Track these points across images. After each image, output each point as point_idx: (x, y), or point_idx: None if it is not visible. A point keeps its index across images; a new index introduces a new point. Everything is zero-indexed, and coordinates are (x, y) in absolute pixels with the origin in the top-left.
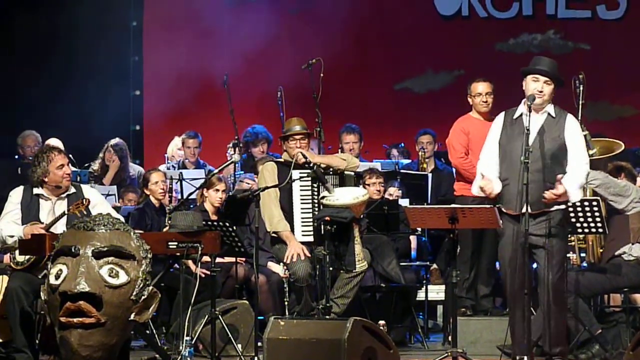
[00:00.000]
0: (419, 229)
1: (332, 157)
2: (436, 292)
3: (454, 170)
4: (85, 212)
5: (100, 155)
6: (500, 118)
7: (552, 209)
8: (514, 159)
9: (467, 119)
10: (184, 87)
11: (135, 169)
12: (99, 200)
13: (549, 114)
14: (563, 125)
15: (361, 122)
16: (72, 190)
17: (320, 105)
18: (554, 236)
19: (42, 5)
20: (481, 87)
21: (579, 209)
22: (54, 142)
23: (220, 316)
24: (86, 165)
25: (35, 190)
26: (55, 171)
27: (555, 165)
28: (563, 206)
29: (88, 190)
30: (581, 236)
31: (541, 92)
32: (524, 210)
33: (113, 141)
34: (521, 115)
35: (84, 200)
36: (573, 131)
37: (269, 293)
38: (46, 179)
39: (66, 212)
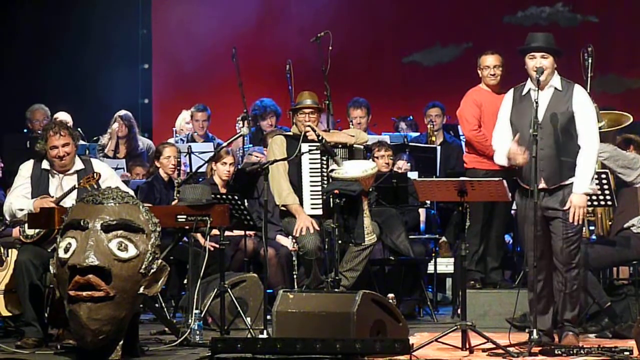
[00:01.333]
0: (428, 201)
1: (340, 134)
2: (445, 265)
3: (463, 143)
4: (95, 186)
5: (109, 129)
6: (509, 95)
7: (567, 182)
8: (525, 135)
9: (478, 91)
10: (192, 61)
11: (144, 142)
12: (109, 174)
13: (555, 88)
14: (571, 98)
15: (370, 95)
16: (81, 165)
17: (329, 78)
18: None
19: None
20: (489, 60)
21: None
22: (63, 115)
23: (229, 289)
24: (95, 138)
25: (44, 165)
26: (50, 151)
27: (567, 138)
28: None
29: (98, 164)
30: (590, 209)
31: (541, 67)
32: (540, 185)
33: (120, 112)
34: (529, 91)
35: (95, 174)
36: (581, 102)
37: (278, 266)
38: (47, 156)
39: (77, 186)
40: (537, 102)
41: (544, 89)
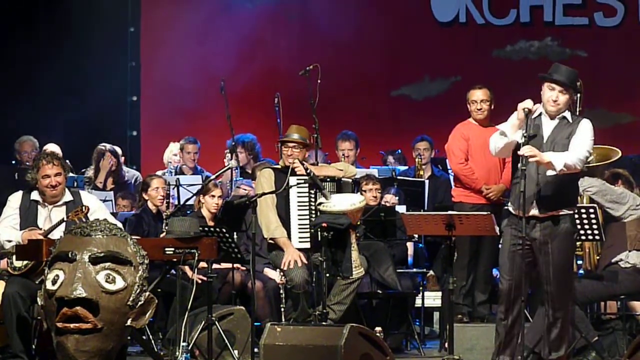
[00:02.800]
0: (416, 235)
1: (329, 168)
2: (433, 298)
3: (451, 177)
4: (84, 219)
5: (93, 162)
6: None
7: (561, 213)
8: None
9: (467, 124)
10: (181, 93)
11: (132, 173)
12: (98, 206)
13: (564, 117)
14: (575, 129)
15: (358, 128)
16: (70, 197)
17: (317, 111)
18: (561, 242)
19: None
20: (477, 95)
21: (575, 216)
22: (52, 147)
23: (216, 322)
24: (82, 170)
25: (33, 196)
26: (41, 180)
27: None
28: (571, 212)
29: (86, 197)
30: (578, 243)
31: (555, 101)
32: (532, 212)
33: (108, 146)
34: (540, 115)
35: (84, 207)
36: (581, 131)
37: (265, 299)
38: (38, 186)
39: (65, 219)
40: (525, 136)
41: (553, 120)
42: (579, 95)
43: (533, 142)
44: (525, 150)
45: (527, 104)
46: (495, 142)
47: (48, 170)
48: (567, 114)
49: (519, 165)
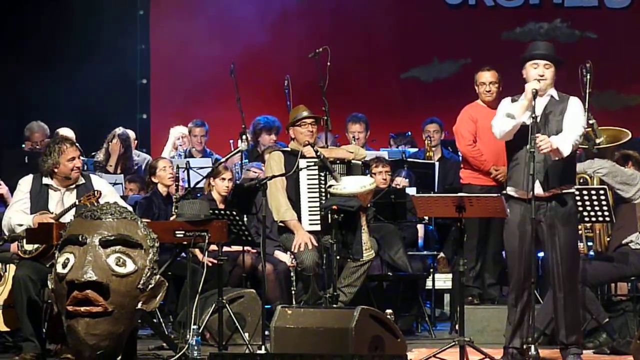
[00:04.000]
0: (426, 217)
1: (339, 150)
2: (443, 280)
3: (460, 158)
4: (96, 204)
5: (105, 145)
6: (506, 101)
7: (564, 191)
8: (521, 140)
9: (475, 106)
10: (190, 76)
11: (143, 157)
12: (108, 190)
13: (552, 96)
14: (566, 107)
15: (368, 110)
16: (82, 181)
17: (327, 94)
18: (564, 223)
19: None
20: (486, 76)
21: (586, 197)
22: (65, 131)
23: (227, 305)
24: (92, 154)
25: (45, 180)
26: (66, 163)
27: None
28: (573, 190)
29: (97, 181)
30: (588, 225)
31: (542, 76)
32: (535, 192)
33: (119, 130)
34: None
35: (96, 192)
36: (573, 110)
37: (276, 282)
38: (56, 170)
39: (77, 203)
40: (534, 117)
41: (541, 97)
42: (588, 76)
43: (526, 128)
44: (543, 144)
45: (534, 84)
46: (502, 125)
47: (72, 152)
48: (554, 92)
49: (527, 147)
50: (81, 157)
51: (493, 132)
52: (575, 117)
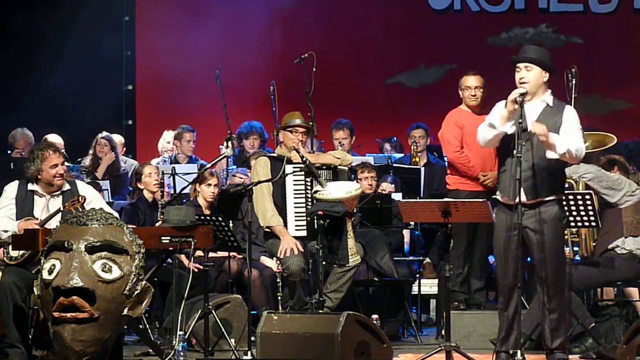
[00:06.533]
0: (412, 223)
1: (326, 156)
2: (429, 286)
3: (446, 164)
4: (81, 209)
5: (91, 151)
6: (501, 104)
7: (548, 198)
8: (510, 147)
9: (459, 112)
10: (176, 82)
11: (130, 163)
12: (94, 196)
13: (547, 103)
14: (561, 115)
15: (353, 116)
16: (67, 187)
17: (313, 99)
18: (550, 228)
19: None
20: (470, 81)
21: (571, 202)
22: (53, 138)
23: (213, 311)
24: (78, 160)
25: (30, 186)
26: (49, 170)
27: (553, 153)
28: (560, 196)
29: (83, 187)
30: (574, 230)
31: (522, 79)
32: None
33: (103, 133)
34: (520, 103)
35: (80, 197)
36: (569, 120)
37: (262, 287)
38: (40, 177)
39: (62, 209)
40: (520, 122)
41: (535, 103)
42: (574, 81)
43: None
44: (536, 128)
45: (515, 94)
46: (484, 134)
47: (55, 159)
48: (548, 98)
49: (514, 152)
50: (65, 164)
51: (477, 139)
52: (572, 130)
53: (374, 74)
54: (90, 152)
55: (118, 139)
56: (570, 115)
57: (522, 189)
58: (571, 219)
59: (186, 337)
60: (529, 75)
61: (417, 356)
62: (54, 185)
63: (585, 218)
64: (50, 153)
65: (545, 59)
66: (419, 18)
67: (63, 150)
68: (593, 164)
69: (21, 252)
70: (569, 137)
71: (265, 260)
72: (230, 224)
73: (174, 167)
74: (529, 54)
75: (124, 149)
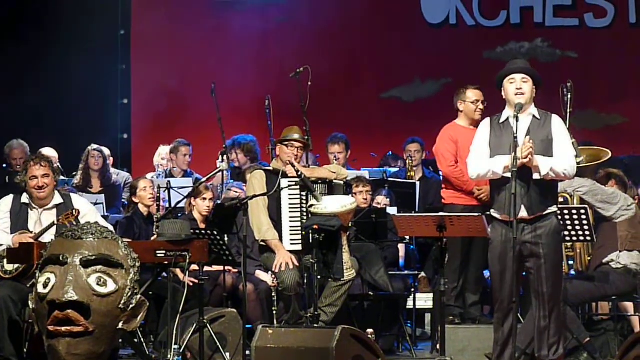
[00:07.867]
0: (407, 237)
1: (321, 170)
2: (424, 300)
3: (441, 178)
4: (75, 223)
5: (81, 165)
6: (486, 123)
7: (547, 212)
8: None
9: (454, 127)
10: (171, 96)
11: (122, 175)
12: (88, 210)
13: (533, 116)
14: (550, 126)
15: (349, 130)
16: (60, 200)
17: (308, 113)
18: (549, 244)
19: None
20: (477, 94)
21: (566, 216)
22: (47, 151)
23: (208, 325)
24: (73, 174)
25: (23, 199)
26: (29, 181)
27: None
28: (555, 208)
29: (77, 200)
30: (569, 244)
31: (520, 89)
32: (520, 215)
33: (94, 146)
34: (507, 119)
35: (74, 210)
36: (559, 131)
37: (257, 302)
38: (27, 188)
39: (55, 222)
40: (516, 137)
41: (522, 116)
42: (569, 95)
43: (508, 145)
44: (525, 150)
45: (527, 151)
46: (479, 170)
47: (35, 171)
48: (534, 110)
49: (510, 167)
50: (51, 176)
51: (468, 170)
52: (563, 144)
53: (369, 88)
54: (81, 166)
55: (107, 151)
56: (559, 128)
57: (522, 206)
58: (566, 233)
59: (181, 351)
60: (526, 86)
61: None
62: (34, 197)
63: (580, 232)
64: (32, 164)
65: (537, 73)
66: (415, 32)
67: (58, 164)
68: (587, 178)
69: (16, 265)
70: (560, 159)
71: (261, 275)
72: (226, 238)
73: (169, 181)
74: (521, 66)
75: (111, 159)
